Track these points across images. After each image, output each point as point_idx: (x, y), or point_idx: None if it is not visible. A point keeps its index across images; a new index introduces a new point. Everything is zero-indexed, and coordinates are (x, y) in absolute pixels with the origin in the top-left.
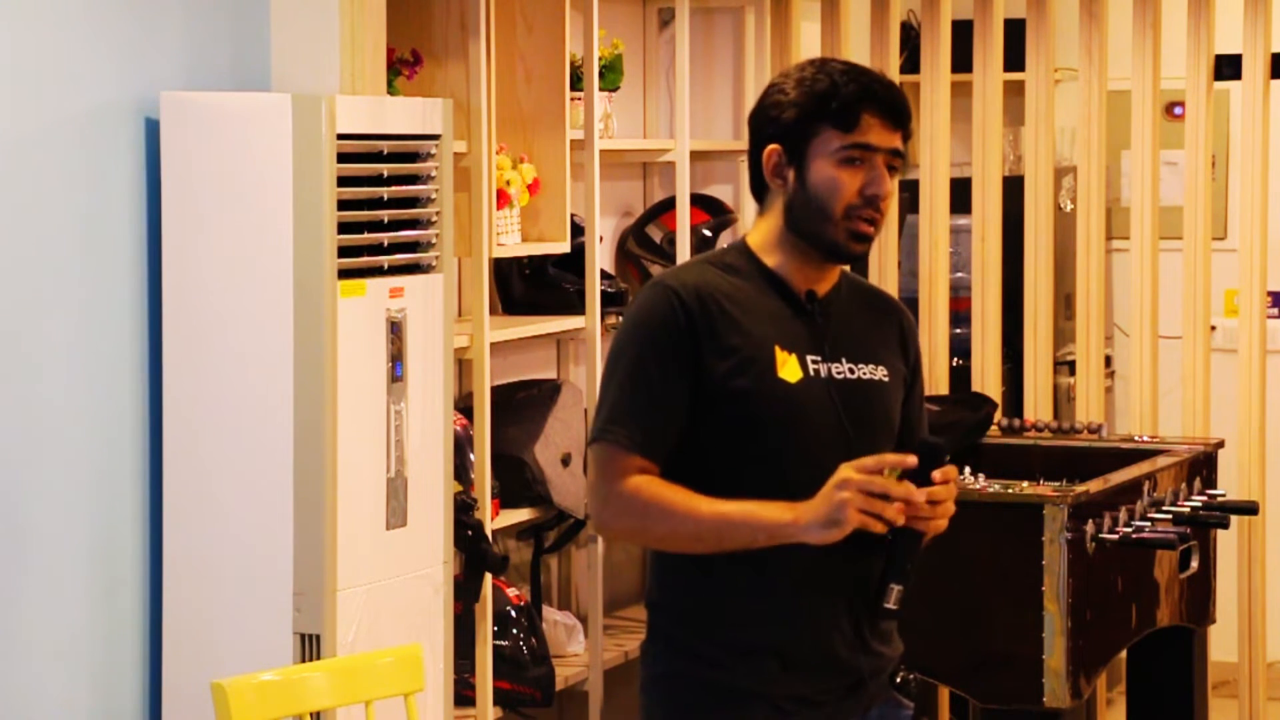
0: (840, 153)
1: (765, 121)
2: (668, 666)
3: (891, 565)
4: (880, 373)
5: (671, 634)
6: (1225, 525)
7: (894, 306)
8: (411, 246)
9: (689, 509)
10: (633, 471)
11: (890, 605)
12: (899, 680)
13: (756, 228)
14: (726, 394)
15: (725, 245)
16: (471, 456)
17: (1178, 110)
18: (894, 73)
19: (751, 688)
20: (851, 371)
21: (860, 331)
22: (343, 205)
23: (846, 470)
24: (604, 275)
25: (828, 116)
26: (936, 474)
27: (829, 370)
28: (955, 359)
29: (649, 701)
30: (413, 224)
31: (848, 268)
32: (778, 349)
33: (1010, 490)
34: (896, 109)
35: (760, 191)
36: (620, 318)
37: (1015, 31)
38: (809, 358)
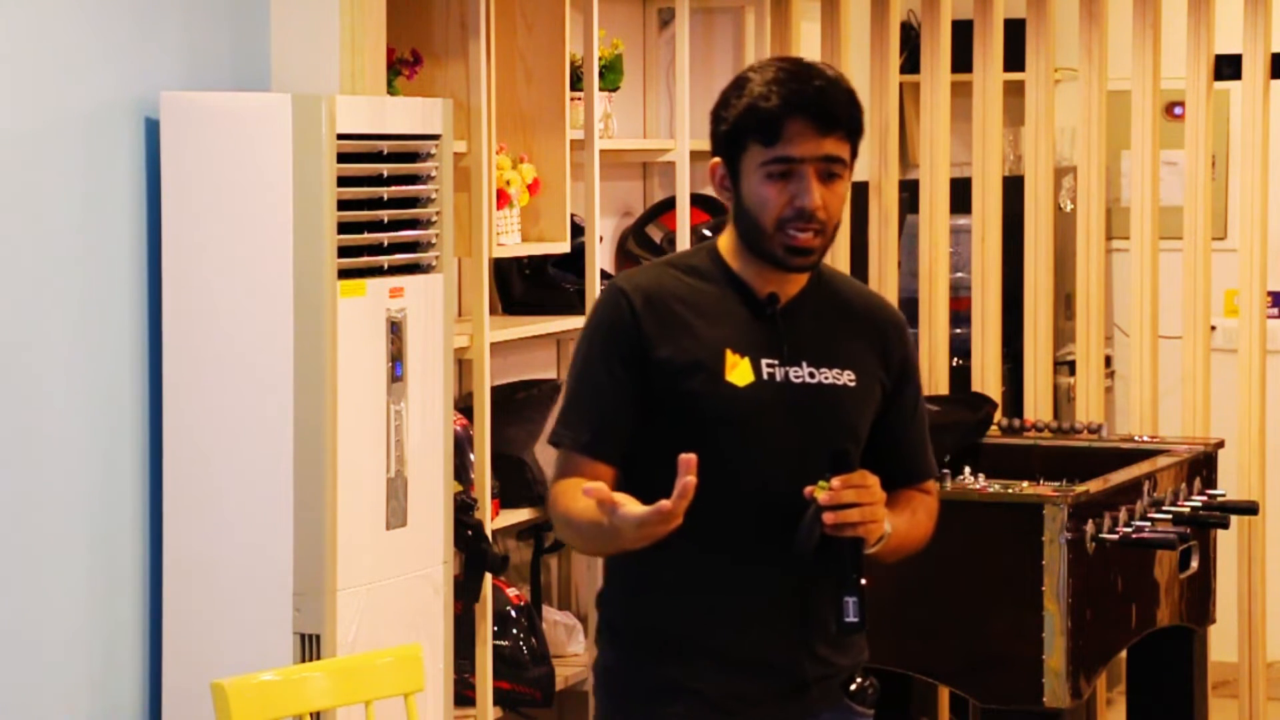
0: (764, 168)
1: (711, 135)
2: (611, 660)
3: (840, 579)
4: (845, 377)
5: (615, 628)
6: (1225, 525)
7: (879, 309)
8: (411, 246)
9: (569, 518)
10: (573, 475)
11: (851, 619)
12: (854, 688)
13: (725, 230)
14: (673, 397)
15: (694, 247)
16: (471, 456)
17: (1178, 110)
18: (894, 73)
19: (689, 684)
20: (811, 376)
21: (828, 335)
22: (343, 205)
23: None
24: (604, 275)
25: (751, 131)
26: (836, 481)
27: (786, 374)
28: (955, 359)
29: (596, 695)
30: (413, 224)
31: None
32: (728, 352)
33: (1010, 490)
34: (825, 114)
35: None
36: None
37: (1015, 31)
38: (764, 361)
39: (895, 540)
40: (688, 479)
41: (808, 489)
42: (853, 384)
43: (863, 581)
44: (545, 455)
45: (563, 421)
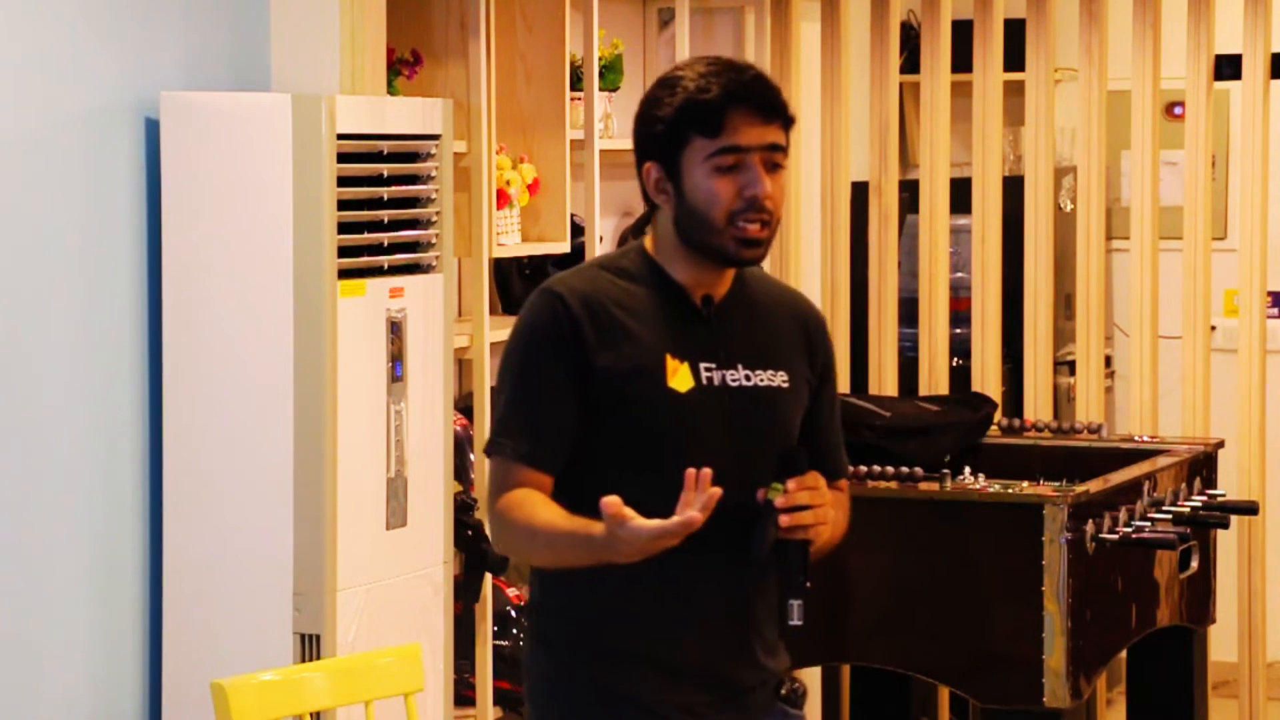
0: (711, 160)
1: (640, 138)
2: (553, 671)
3: (786, 581)
4: (779, 379)
5: (555, 639)
6: (1225, 525)
7: (801, 308)
8: (411, 246)
9: (532, 528)
10: (516, 485)
11: (795, 622)
12: (785, 691)
13: (653, 230)
14: (615, 403)
15: (625, 247)
16: (471, 456)
17: (1178, 110)
18: (894, 73)
19: (636, 694)
20: (748, 379)
21: (760, 336)
22: (343, 205)
23: (635, 523)
24: None
25: (693, 124)
26: (791, 483)
27: (723, 378)
28: (955, 359)
29: (536, 708)
30: (413, 224)
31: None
32: (669, 358)
33: (1010, 490)
34: (766, 102)
35: (650, 200)
36: None
37: (1015, 31)
38: (702, 365)
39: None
40: (713, 490)
41: (760, 491)
42: (785, 385)
43: (808, 584)
44: None
45: (501, 431)
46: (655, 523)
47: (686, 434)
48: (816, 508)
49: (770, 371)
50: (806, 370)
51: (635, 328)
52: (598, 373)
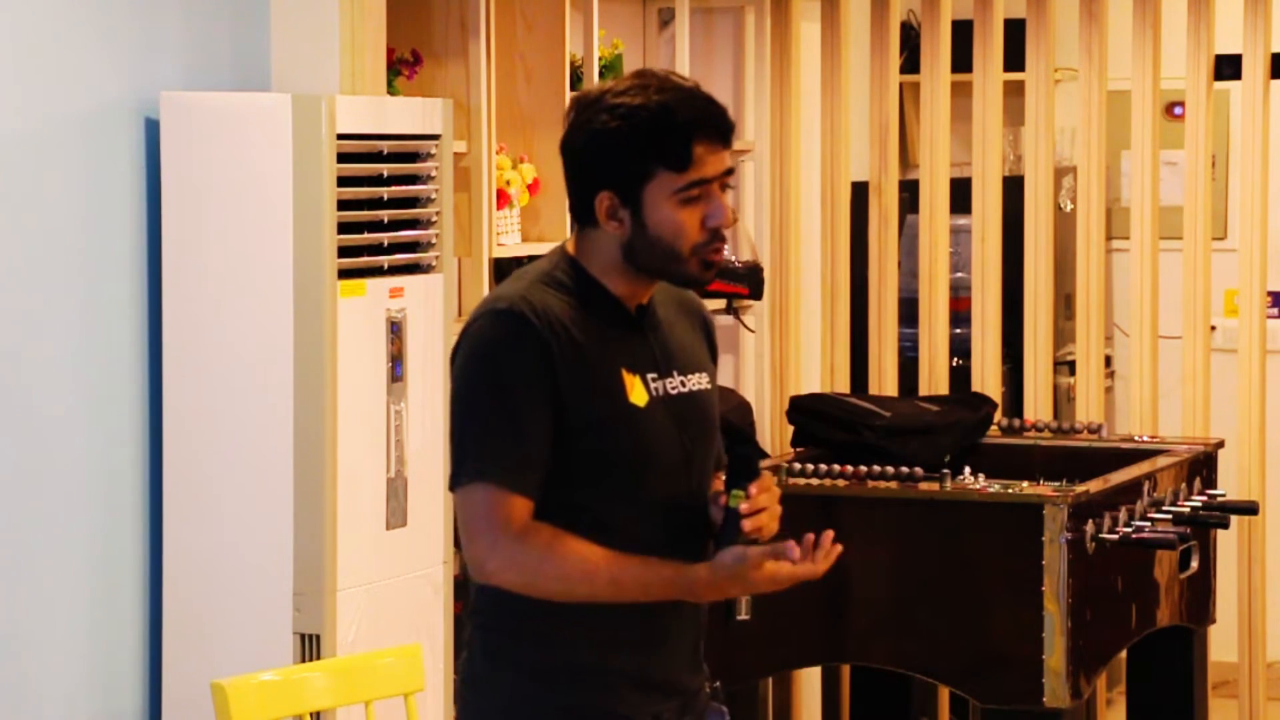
0: (678, 194)
1: (591, 163)
2: (525, 689)
3: None
4: (704, 380)
5: (524, 658)
6: (1225, 525)
7: (697, 304)
8: (411, 246)
9: (589, 564)
10: (519, 514)
11: (743, 616)
12: (710, 689)
13: (584, 242)
14: (584, 423)
15: (548, 257)
16: None
17: (1178, 110)
18: (894, 73)
19: (613, 708)
20: (683, 384)
21: (681, 339)
22: (343, 205)
23: (771, 568)
24: None
25: (660, 159)
26: (753, 488)
27: (665, 387)
28: (955, 359)
29: None
30: (413, 224)
31: None
32: (624, 373)
33: (1010, 490)
34: (724, 128)
35: (586, 217)
36: None
37: (1015, 31)
38: (649, 377)
39: None
40: (835, 547)
41: (721, 498)
42: (710, 386)
43: None
44: None
45: (484, 458)
46: (792, 567)
47: (648, 447)
48: (773, 508)
49: (697, 375)
50: (712, 365)
51: (588, 345)
52: (566, 395)
